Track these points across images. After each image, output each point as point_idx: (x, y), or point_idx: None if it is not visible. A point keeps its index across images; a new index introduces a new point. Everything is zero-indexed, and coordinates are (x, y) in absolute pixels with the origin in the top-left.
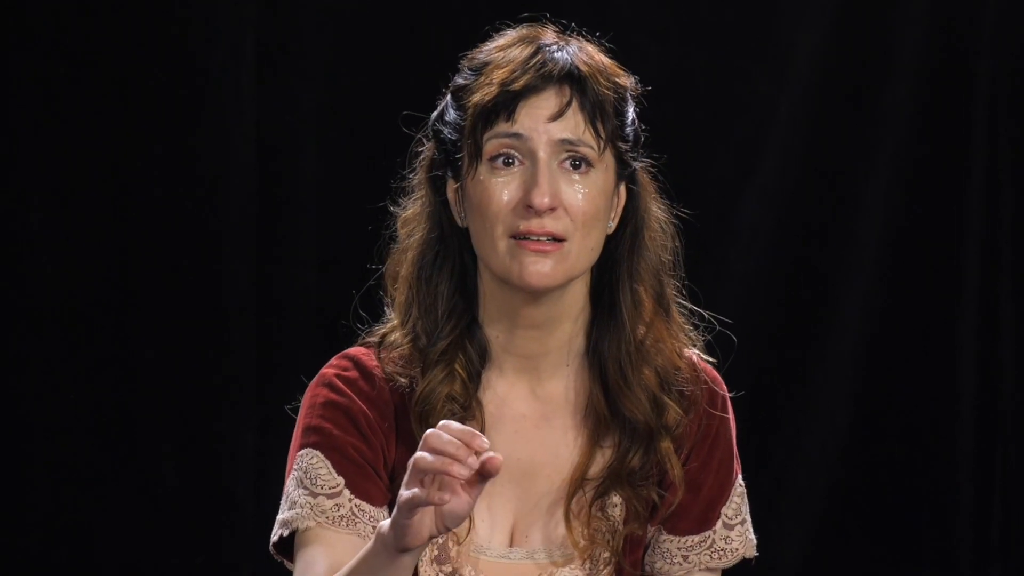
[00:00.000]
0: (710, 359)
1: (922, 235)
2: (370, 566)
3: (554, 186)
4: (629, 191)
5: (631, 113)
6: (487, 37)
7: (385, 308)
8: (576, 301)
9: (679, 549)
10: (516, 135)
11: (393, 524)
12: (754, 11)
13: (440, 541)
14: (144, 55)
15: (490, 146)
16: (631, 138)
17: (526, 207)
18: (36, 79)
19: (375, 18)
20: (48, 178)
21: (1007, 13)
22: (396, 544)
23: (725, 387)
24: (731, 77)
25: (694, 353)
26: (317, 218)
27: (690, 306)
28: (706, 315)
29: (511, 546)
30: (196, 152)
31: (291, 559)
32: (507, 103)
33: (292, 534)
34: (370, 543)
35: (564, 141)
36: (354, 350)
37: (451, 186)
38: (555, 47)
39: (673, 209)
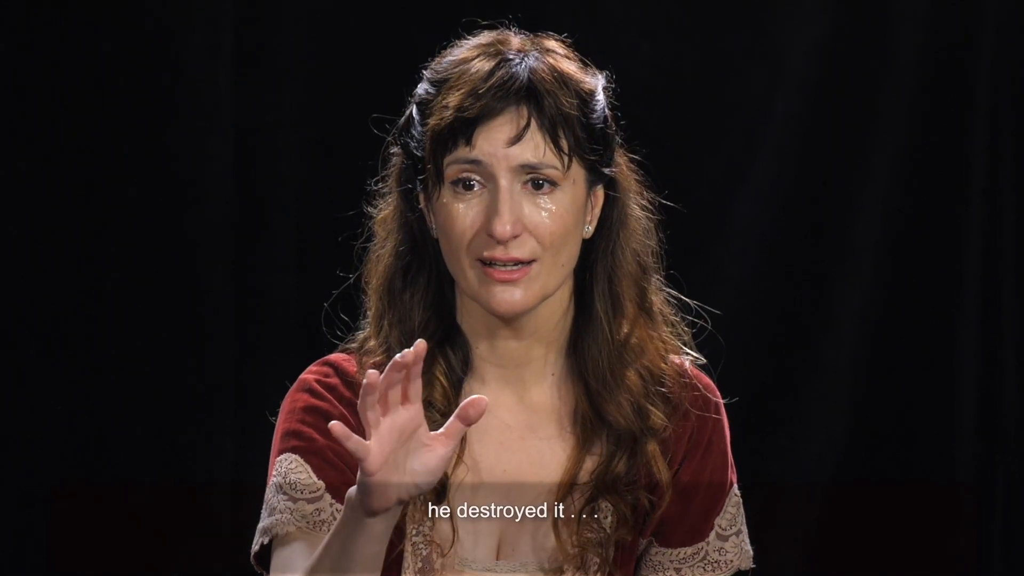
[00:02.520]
0: (700, 359)
1: (921, 238)
2: (342, 537)
3: (516, 212)
4: (606, 193)
5: (600, 115)
6: (450, 43)
7: (367, 310)
8: (557, 309)
9: (671, 562)
10: (475, 161)
11: (359, 485)
12: (749, 7)
13: (423, 552)
14: (118, 52)
15: (450, 171)
16: (601, 144)
17: (489, 235)
18: (6, 76)
19: (356, 16)
20: (19, 179)
21: (1007, 12)
22: (363, 507)
23: (719, 394)
24: (724, 75)
25: (686, 360)
26: (296, 222)
27: (677, 294)
28: (693, 305)
29: (497, 559)
30: (172, 153)
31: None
32: (463, 129)
33: (272, 543)
34: (342, 513)
35: (525, 166)
36: (334, 356)
37: (422, 199)
38: (516, 60)
39: (658, 202)
